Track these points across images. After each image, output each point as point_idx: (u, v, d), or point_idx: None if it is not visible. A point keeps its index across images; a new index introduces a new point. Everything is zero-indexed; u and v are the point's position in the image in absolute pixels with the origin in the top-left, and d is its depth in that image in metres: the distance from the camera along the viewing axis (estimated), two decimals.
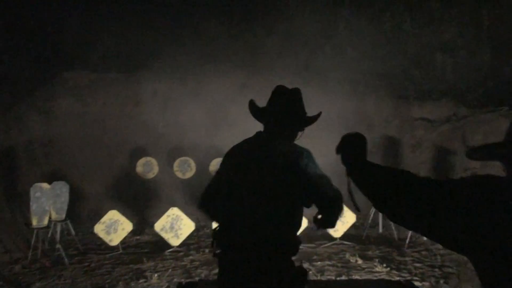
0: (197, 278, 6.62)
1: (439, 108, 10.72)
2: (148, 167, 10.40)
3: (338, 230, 8.20)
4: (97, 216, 8.87)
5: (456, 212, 1.64)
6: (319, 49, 12.26)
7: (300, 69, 12.07)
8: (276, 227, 2.68)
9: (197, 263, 7.61)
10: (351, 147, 2.13)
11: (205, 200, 2.92)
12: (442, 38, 12.65)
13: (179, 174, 10.46)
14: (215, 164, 10.55)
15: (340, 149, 2.17)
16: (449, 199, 1.67)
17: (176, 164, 10.50)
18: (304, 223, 8.09)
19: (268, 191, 2.67)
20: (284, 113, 2.82)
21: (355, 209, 2.39)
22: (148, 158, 10.48)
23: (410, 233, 8.05)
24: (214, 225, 2.99)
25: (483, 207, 1.57)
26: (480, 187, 1.65)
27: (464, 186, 1.69)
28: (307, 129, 2.89)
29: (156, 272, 7.10)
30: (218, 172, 2.99)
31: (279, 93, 2.88)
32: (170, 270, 7.25)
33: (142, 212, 9.72)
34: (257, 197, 2.68)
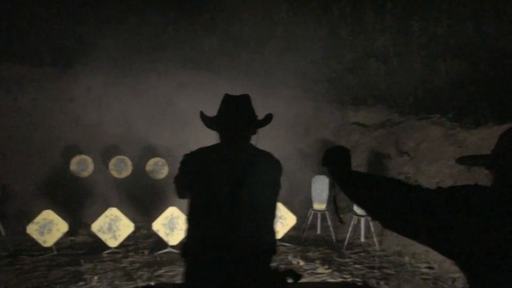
0: (147, 282, 6.48)
1: (373, 113, 11.10)
2: (82, 165, 10.06)
3: (279, 231, 8.28)
4: (28, 215, 8.47)
5: (447, 219, 1.73)
6: (258, 52, 12.35)
7: (239, 70, 12.09)
8: (256, 229, 2.69)
9: (137, 264, 7.44)
10: (335, 159, 2.21)
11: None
12: (375, 46, 13.12)
13: (115, 173, 10.19)
14: (152, 164, 10.37)
15: (325, 161, 2.25)
16: (440, 207, 1.77)
17: (112, 163, 10.22)
18: None
19: (248, 196, 2.68)
20: (236, 119, 2.87)
21: (338, 221, 2.49)
22: (83, 156, 10.13)
23: (348, 234, 8.26)
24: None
25: (471, 215, 1.68)
26: (469, 195, 1.76)
27: (451, 194, 1.79)
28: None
29: (95, 274, 6.87)
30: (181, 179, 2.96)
31: (228, 101, 2.94)
32: (109, 272, 7.04)
33: (76, 212, 9.36)
34: (234, 201, 2.68)
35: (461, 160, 2.10)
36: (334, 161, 2.20)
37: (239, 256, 2.65)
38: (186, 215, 2.91)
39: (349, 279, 6.67)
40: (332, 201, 2.42)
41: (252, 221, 2.71)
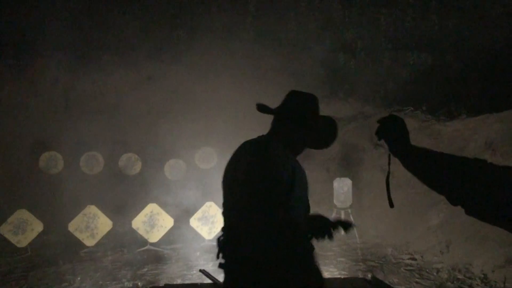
0: (133, 282, 6.32)
1: (345, 106, 11.18)
2: (52, 162, 9.73)
3: None
4: None
5: None
6: (226, 45, 12.23)
7: (208, 64, 11.96)
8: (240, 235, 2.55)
9: (119, 263, 7.26)
10: (396, 133, 2.00)
11: None
12: (342, 39, 13.23)
13: (86, 170, 9.90)
14: (124, 160, 10.14)
15: (382, 134, 2.05)
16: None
17: (82, 159, 9.92)
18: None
19: (229, 197, 2.57)
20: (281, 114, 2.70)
21: (389, 204, 2.27)
22: (52, 153, 9.80)
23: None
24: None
25: None
26: None
27: None
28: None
29: (77, 275, 6.65)
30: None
31: (288, 96, 2.77)
32: (91, 272, 6.84)
33: (48, 211, 9.04)
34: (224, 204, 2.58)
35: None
36: (394, 135, 2.00)
37: (232, 266, 2.53)
38: None
39: (336, 273, 6.70)
40: (386, 180, 2.13)
41: (237, 228, 2.52)
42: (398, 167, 2.19)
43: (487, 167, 1.75)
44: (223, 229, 2.51)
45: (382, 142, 2.04)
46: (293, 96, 2.72)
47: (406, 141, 1.95)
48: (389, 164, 2.06)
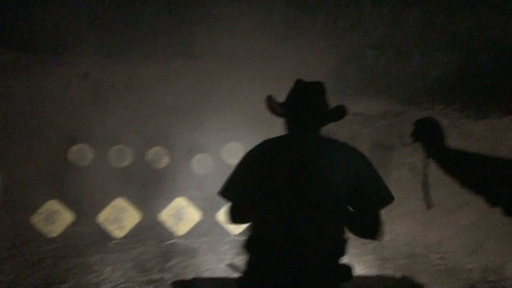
0: (162, 274, 6.37)
1: (374, 104, 11.06)
2: (81, 154, 9.84)
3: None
4: (29, 205, 8.26)
5: None
6: (253, 41, 12.19)
7: (236, 59, 11.92)
8: (322, 226, 2.55)
9: (147, 255, 7.30)
10: (432, 135, 2.07)
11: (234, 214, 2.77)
12: (371, 37, 13.09)
13: (114, 163, 9.99)
14: (153, 153, 10.21)
15: (417, 136, 2.11)
16: None
17: (111, 152, 10.01)
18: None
19: (313, 189, 2.53)
20: (307, 106, 2.70)
21: (426, 205, 2.26)
22: (81, 146, 9.91)
23: None
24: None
25: None
26: None
27: None
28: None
29: (106, 265, 6.72)
30: (240, 176, 2.76)
31: (300, 86, 2.76)
32: (119, 263, 6.90)
33: (78, 202, 9.13)
34: (296, 195, 2.53)
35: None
36: (429, 137, 2.06)
37: (304, 254, 2.52)
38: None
39: (364, 271, 6.64)
40: (422, 182, 2.21)
41: (317, 217, 2.55)
42: (428, 166, 2.14)
43: None
44: (288, 225, 2.49)
45: (417, 144, 2.02)
46: (316, 89, 2.73)
47: (442, 143, 2.02)
48: (425, 166, 2.11)
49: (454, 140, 8.52)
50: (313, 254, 2.51)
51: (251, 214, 2.66)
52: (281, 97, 2.81)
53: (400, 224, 8.42)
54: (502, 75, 9.87)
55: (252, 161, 2.69)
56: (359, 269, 6.66)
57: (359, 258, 7.22)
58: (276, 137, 2.75)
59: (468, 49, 11.77)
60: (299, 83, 2.75)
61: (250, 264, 2.65)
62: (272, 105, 2.76)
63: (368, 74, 12.01)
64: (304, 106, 2.68)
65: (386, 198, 2.60)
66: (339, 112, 2.71)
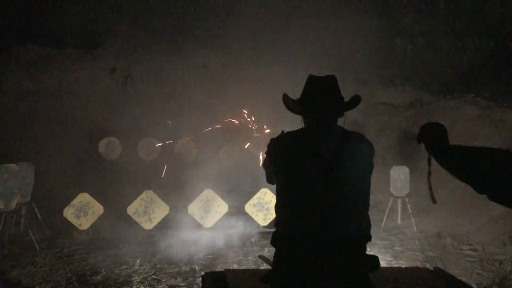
0: (190, 266, 6.44)
1: (402, 93, 10.94)
2: (110, 147, 9.98)
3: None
4: (60, 198, 8.43)
5: None
6: (281, 32, 12.14)
7: (263, 52, 11.87)
8: (351, 216, 2.57)
9: (176, 247, 7.36)
10: (432, 136, 2.20)
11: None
12: (399, 25, 12.91)
13: (143, 155, 10.11)
14: (179, 146, 10.30)
15: (421, 138, 2.25)
16: None
17: (139, 145, 10.13)
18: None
19: (340, 181, 2.54)
20: (323, 100, 2.71)
21: (432, 200, 2.44)
22: (111, 138, 10.05)
23: (385, 216, 8.17)
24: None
25: None
26: None
27: None
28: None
29: (136, 257, 6.82)
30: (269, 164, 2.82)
31: (313, 82, 2.77)
32: (149, 255, 7.00)
33: (108, 195, 9.28)
34: (326, 187, 2.55)
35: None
36: (430, 137, 2.19)
37: (333, 246, 2.54)
38: (276, 201, 2.78)
39: (393, 262, 6.60)
40: (427, 178, 2.36)
41: (346, 208, 2.57)
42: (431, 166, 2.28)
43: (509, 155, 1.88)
44: (316, 210, 2.53)
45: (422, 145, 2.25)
46: (331, 83, 2.76)
47: (443, 143, 2.15)
48: (429, 164, 2.24)
49: (484, 129, 8.40)
50: (341, 245, 2.53)
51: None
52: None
53: (429, 215, 8.33)
54: None
55: (277, 151, 2.73)
56: (388, 261, 6.64)
57: (386, 250, 7.19)
58: (296, 131, 2.77)
59: (498, 36, 11.53)
60: (311, 79, 2.76)
61: (280, 257, 2.68)
62: (289, 104, 2.79)
63: (396, 63, 11.86)
64: (318, 101, 2.69)
65: None
66: (353, 101, 2.73)
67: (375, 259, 2.69)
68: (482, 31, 11.80)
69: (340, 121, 2.83)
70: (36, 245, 7.17)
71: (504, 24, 11.58)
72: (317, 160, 2.59)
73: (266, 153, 2.83)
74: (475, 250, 7.01)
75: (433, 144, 2.18)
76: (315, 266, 2.54)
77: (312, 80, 2.79)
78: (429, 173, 2.30)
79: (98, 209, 7.96)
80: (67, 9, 11.40)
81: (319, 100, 2.72)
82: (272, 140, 2.81)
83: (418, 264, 6.46)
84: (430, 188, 2.36)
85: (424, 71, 11.34)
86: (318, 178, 2.56)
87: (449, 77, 10.87)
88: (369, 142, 2.74)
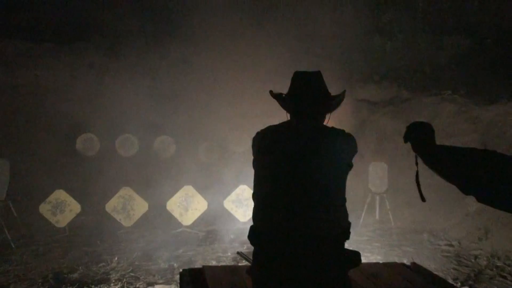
0: (168, 263, 6.41)
1: (381, 90, 11.00)
2: (88, 144, 9.86)
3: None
4: (37, 195, 8.32)
5: None
6: (261, 29, 12.11)
7: (244, 48, 11.82)
8: (323, 210, 2.55)
9: (154, 244, 7.36)
10: (418, 135, 2.22)
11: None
12: (378, 22, 12.98)
13: (121, 152, 10.00)
14: (159, 142, 10.21)
15: (407, 137, 2.27)
16: None
17: (118, 141, 10.03)
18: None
19: (312, 174, 2.53)
20: (308, 96, 2.72)
21: (421, 199, 2.46)
22: (89, 134, 9.92)
23: (363, 213, 8.23)
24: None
25: None
26: None
27: None
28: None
29: (114, 255, 6.76)
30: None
31: (299, 77, 2.78)
32: (127, 252, 6.94)
33: (86, 192, 9.16)
34: (309, 180, 2.54)
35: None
36: (416, 137, 2.21)
37: (305, 241, 2.52)
38: (252, 195, 2.77)
39: (371, 258, 6.65)
40: (415, 178, 2.38)
41: (318, 202, 2.55)
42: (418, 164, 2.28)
43: (497, 157, 1.89)
44: (289, 204, 2.50)
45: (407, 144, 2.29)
46: (316, 79, 2.77)
47: (429, 143, 2.17)
48: (416, 163, 2.27)
49: (461, 126, 8.48)
50: (318, 240, 2.51)
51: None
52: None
53: (406, 211, 8.41)
54: (510, 61, 9.77)
55: (258, 144, 2.74)
56: (366, 256, 6.68)
57: (364, 246, 7.23)
58: (278, 124, 2.77)
59: (475, 34, 11.66)
60: (297, 74, 2.76)
61: (258, 254, 2.66)
62: (279, 99, 2.79)
63: (374, 60, 11.92)
64: (302, 97, 2.69)
65: None
66: (341, 96, 2.74)
67: (356, 255, 2.68)
68: (460, 29, 11.93)
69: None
70: (12, 243, 7.07)
71: (481, 22, 11.71)
72: (287, 154, 2.58)
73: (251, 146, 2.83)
74: (452, 245, 7.11)
75: (420, 144, 2.20)
76: (288, 261, 2.52)
77: (297, 76, 2.78)
78: (417, 173, 2.33)
79: (75, 206, 7.87)
80: (45, 2, 11.22)
81: (303, 96, 2.71)
82: (257, 133, 2.81)
83: (396, 259, 6.51)
84: (419, 187, 2.37)
85: (403, 68, 11.41)
86: (286, 172, 2.54)
87: (427, 75, 10.96)
88: (348, 137, 2.71)
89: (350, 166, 2.67)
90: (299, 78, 2.77)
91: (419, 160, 2.25)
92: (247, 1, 12.20)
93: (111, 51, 11.20)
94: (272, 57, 10.98)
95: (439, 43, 11.94)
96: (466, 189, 1.98)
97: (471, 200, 7.63)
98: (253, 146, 2.79)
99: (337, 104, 2.77)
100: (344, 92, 2.79)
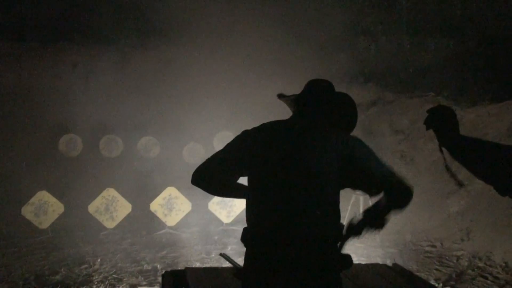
0: (152, 264, 6.38)
1: (365, 92, 11.06)
2: (71, 144, 9.80)
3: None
4: (18, 197, 8.25)
5: None
6: (246, 29, 12.10)
7: (231, 47, 11.80)
8: (325, 213, 2.54)
9: (138, 246, 7.32)
10: (443, 124, 2.02)
11: (201, 173, 2.70)
12: (363, 24, 13.05)
13: (105, 153, 9.95)
14: (144, 143, 10.18)
15: (430, 124, 2.07)
16: None
17: (102, 142, 9.98)
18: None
19: (317, 175, 2.51)
20: (317, 109, 2.69)
21: (458, 184, 2.29)
22: (71, 135, 9.86)
23: (347, 214, 8.24)
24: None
25: None
26: None
27: None
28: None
29: (97, 256, 6.72)
30: (230, 149, 2.73)
31: (314, 87, 2.76)
32: (110, 254, 6.90)
33: (68, 193, 9.10)
34: (302, 180, 2.52)
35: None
36: (440, 126, 2.02)
37: (303, 242, 2.51)
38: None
39: (354, 259, 6.66)
40: (445, 166, 2.19)
41: (315, 203, 2.52)
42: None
43: None
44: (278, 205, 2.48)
45: (431, 131, 2.05)
46: (328, 92, 2.73)
47: (455, 132, 1.97)
48: (441, 152, 2.06)
49: None
50: (316, 241, 2.50)
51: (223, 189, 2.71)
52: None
53: None
54: (491, 63, 9.89)
55: (246, 140, 2.69)
56: None
57: (347, 247, 7.24)
58: (273, 121, 2.73)
59: (458, 36, 11.79)
60: (311, 83, 2.74)
61: (247, 254, 2.64)
62: (285, 99, 2.75)
63: (358, 62, 12.00)
64: (312, 107, 2.66)
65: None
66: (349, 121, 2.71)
67: (348, 257, 2.68)
68: (443, 31, 12.06)
69: None
70: None
71: (464, 24, 11.85)
72: (281, 153, 2.55)
73: (233, 140, 2.72)
74: (434, 246, 7.16)
75: (445, 134, 2.01)
76: (285, 263, 2.51)
77: (311, 85, 2.74)
78: (445, 160, 2.09)
79: (58, 207, 7.80)
80: (28, 2, 11.15)
81: (313, 107, 2.67)
82: (245, 131, 2.73)
83: (379, 260, 6.54)
84: (452, 174, 2.16)
85: (386, 70, 11.50)
86: (279, 172, 2.52)
87: (410, 76, 11.07)
88: (348, 137, 2.65)
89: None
90: (314, 87, 2.74)
91: (444, 147, 2.05)
92: (231, 1, 12.18)
93: (95, 51, 11.13)
94: (257, 58, 11.00)
95: (422, 45, 12.06)
96: (503, 190, 1.83)
97: (453, 201, 7.71)
98: (243, 144, 2.71)
99: (344, 123, 2.73)
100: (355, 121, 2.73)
